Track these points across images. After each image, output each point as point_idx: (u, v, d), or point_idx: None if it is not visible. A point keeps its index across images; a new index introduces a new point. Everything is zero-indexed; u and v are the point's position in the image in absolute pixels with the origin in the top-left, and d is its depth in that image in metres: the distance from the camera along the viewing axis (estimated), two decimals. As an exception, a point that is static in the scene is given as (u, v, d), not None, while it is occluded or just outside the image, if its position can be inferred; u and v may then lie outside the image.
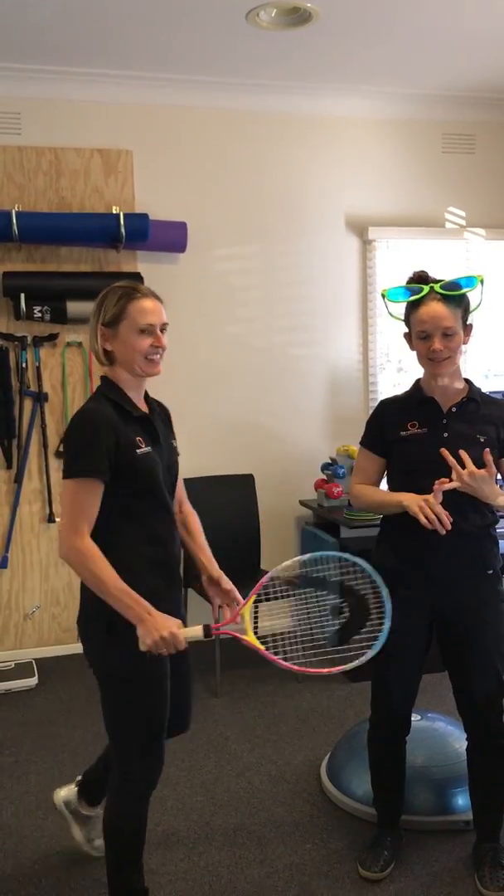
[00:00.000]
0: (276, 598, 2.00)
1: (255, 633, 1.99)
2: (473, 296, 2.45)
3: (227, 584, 2.27)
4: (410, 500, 2.33)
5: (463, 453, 2.30)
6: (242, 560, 4.48)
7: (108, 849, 2.25)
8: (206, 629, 2.01)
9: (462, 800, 2.84)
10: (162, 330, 2.22)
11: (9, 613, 4.55)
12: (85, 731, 3.64)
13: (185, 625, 2.09)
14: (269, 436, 4.92)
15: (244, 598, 2.18)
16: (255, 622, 1.81)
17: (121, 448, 2.11)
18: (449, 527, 2.28)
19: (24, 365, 4.42)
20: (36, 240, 4.30)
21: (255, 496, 4.63)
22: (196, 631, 2.01)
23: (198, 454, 4.75)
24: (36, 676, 4.21)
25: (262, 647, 1.97)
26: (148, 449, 2.17)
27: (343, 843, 2.78)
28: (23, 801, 3.10)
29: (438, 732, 3.07)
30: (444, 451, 2.31)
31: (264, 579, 2.15)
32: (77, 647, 4.55)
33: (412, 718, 2.73)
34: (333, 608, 1.94)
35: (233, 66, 4.38)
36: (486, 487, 2.30)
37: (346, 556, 2.08)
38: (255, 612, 1.83)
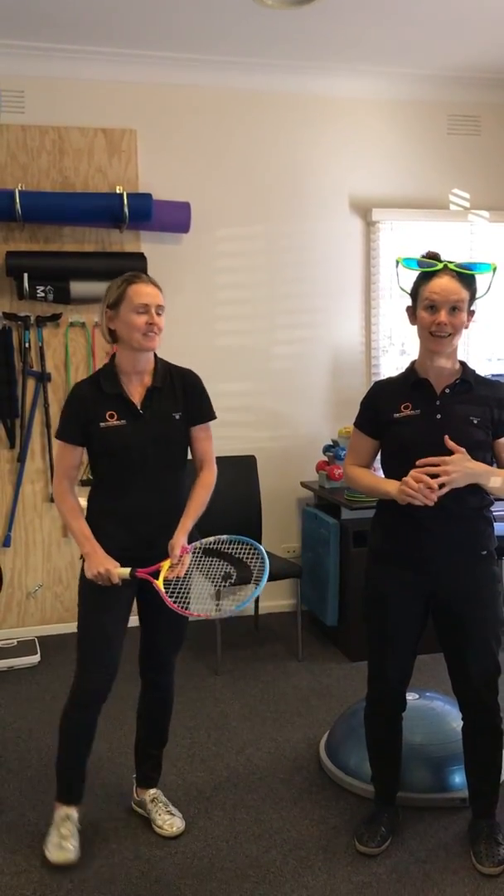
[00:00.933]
0: (197, 562, 2.55)
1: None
2: (482, 284, 2.46)
3: (175, 550, 2.48)
4: (397, 492, 2.36)
5: (449, 443, 2.33)
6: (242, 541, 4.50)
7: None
8: (132, 571, 2.44)
9: (459, 778, 2.87)
10: (158, 312, 2.52)
11: (12, 592, 4.58)
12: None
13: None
14: (270, 417, 4.94)
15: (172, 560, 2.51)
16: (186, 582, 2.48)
17: (89, 421, 2.52)
18: (433, 496, 2.30)
19: (27, 345, 4.43)
20: (39, 219, 4.30)
21: (256, 477, 4.65)
22: (125, 571, 2.44)
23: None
24: (38, 654, 4.25)
25: (163, 591, 2.38)
26: (119, 422, 2.51)
27: (341, 819, 2.82)
28: (24, 776, 3.14)
29: (436, 712, 3.10)
30: (448, 440, 2.33)
31: (188, 547, 2.50)
32: (79, 626, 4.59)
33: (410, 697, 2.77)
34: (225, 574, 2.52)
35: (238, 45, 4.35)
36: (467, 468, 2.32)
37: (250, 540, 2.52)
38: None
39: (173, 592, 2.44)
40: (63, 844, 2.59)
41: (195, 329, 4.71)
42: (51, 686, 3.96)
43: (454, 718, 3.02)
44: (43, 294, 4.32)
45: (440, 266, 2.40)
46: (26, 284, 4.25)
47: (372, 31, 4.19)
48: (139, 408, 2.54)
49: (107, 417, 2.51)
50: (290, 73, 4.69)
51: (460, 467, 2.31)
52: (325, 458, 4.67)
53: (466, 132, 5.07)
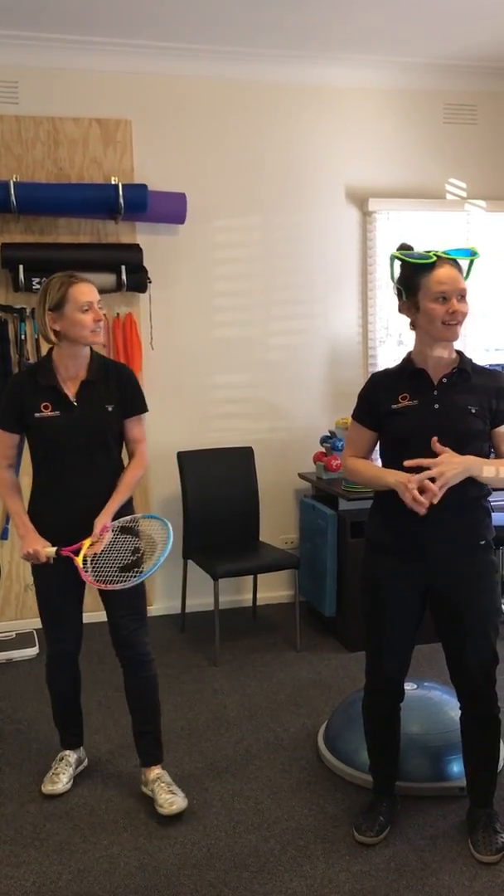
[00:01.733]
0: (114, 539, 2.70)
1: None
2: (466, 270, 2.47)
3: (96, 528, 2.66)
4: (398, 484, 2.34)
5: (437, 446, 2.33)
6: (241, 532, 4.51)
7: None
8: (58, 550, 2.64)
9: (456, 767, 2.88)
10: (99, 307, 2.68)
11: (10, 584, 4.58)
12: (85, 700, 3.68)
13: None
14: (268, 409, 4.93)
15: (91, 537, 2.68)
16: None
17: (24, 411, 2.69)
18: (426, 507, 2.29)
19: (22, 337, 4.41)
20: (34, 211, 4.28)
21: (254, 469, 4.64)
22: (51, 551, 2.65)
23: (197, 427, 4.76)
24: (37, 646, 4.25)
25: (81, 567, 2.57)
26: (53, 413, 2.68)
27: (339, 809, 2.83)
28: (24, 768, 3.15)
29: (434, 701, 3.10)
30: (435, 442, 2.33)
31: (108, 525, 2.65)
32: (77, 618, 4.60)
33: (408, 687, 2.76)
34: (134, 549, 2.67)
35: (233, 34, 4.33)
36: (456, 464, 2.31)
37: (159, 517, 2.73)
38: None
39: (91, 568, 2.60)
40: (54, 779, 2.96)
41: (192, 321, 4.70)
42: (49, 678, 3.96)
43: (452, 708, 3.02)
44: (38, 286, 4.30)
45: (433, 258, 2.40)
46: (22, 276, 4.24)
47: (368, 19, 4.17)
48: (73, 400, 2.70)
49: (41, 408, 2.68)
50: (286, 62, 4.67)
51: (449, 467, 2.30)
52: (323, 450, 4.66)
53: (463, 121, 5.05)
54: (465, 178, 5.09)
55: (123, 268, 4.34)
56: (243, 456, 4.63)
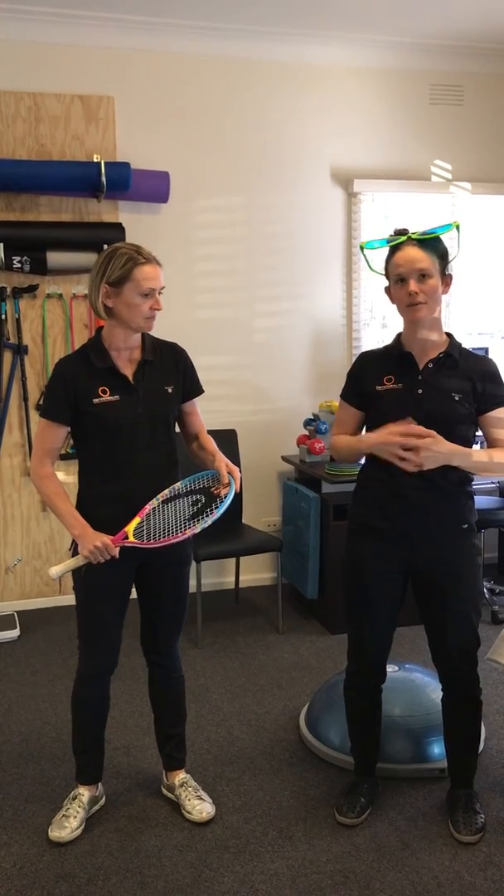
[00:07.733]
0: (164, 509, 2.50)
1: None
2: (452, 247, 2.44)
3: (222, 469, 2.48)
4: (378, 446, 2.33)
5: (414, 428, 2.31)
6: (224, 515, 4.48)
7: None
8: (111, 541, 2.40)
9: (437, 748, 2.89)
10: (160, 293, 2.42)
11: (-10, 566, 4.56)
12: (66, 683, 3.67)
13: None
14: (251, 391, 4.91)
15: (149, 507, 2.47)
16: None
17: (78, 397, 2.42)
18: (413, 466, 2.28)
19: (3, 317, 4.36)
20: (15, 188, 4.22)
21: (237, 451, 4.62)
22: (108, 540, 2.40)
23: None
24: (18, 629, 4.23)
25: (136, 541, 2.37)
26: (112, 398, 2.43)
27: (321, 790, 2.84)
28: (4, 751, 3.13)
29: (415, 683, 3.11)
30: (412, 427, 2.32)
31: (147, 508, 2.43)
32: (58, 600, 4.59)
33: (390, 669, 2.75)
34: (193, 501, 2.50)
35: (218, 10, 4.27)
36: (440, 451, 2.29)
37: (205, 472, 2.55)
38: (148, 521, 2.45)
39: (149, 534, 2.39)
40: (63, 823, 2.61)
41: (174, 301, 4.65)
42: (30, 661, 3.94)
43: (433, 690, 3.04)
44: (19, 265, 4.25)
45: (402, 238, 2.37)
46: (2, 255, 4.18)
47: (354, -4, 4.12)
48: (132, 382, 2.46)
49: (99, 393, 2.41)
50: (272, 39, 4.61)
51: (437, 447, 2.29)
52: (306, 432, 4.65)
53: (449, 102, 5.02)
54: (450, 160, 5.06)
55: (105, 247, 4.28)
56: (226, 438, 4.60)
